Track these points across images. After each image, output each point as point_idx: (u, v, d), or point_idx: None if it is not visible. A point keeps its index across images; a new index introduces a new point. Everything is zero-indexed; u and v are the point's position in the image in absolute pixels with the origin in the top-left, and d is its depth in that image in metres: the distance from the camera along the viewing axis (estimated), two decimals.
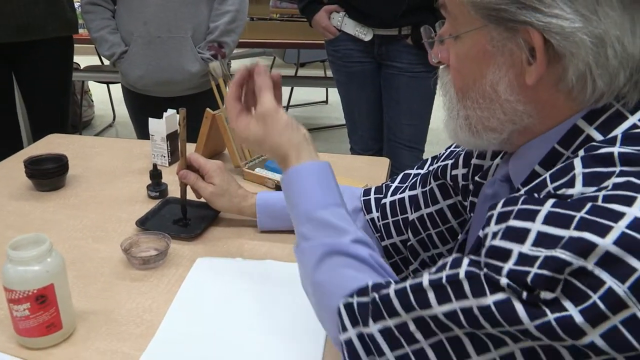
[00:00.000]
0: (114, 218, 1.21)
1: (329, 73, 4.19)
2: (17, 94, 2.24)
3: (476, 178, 0.83)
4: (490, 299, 0.54)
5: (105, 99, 4.07)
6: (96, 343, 0.85)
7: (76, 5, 2.18)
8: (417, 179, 0.99)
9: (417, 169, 1.04)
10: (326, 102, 4.48)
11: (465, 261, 0.58)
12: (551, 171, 0.60)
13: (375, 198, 1.05)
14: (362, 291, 0.67)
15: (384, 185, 1.07)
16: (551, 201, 0.55)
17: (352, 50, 1.99)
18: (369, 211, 1.04)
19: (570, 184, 0.56)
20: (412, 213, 0.97)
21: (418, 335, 0.60)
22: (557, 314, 0.50)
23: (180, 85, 1.98)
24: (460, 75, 0.69)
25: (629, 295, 0.48)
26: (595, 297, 0.49)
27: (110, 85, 3.88)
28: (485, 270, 0.55)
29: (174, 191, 1.32)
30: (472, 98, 0.68)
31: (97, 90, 4.13)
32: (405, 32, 1.87)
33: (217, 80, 1.42)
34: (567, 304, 0.50)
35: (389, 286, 0.64)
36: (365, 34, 1.92)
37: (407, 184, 1.01)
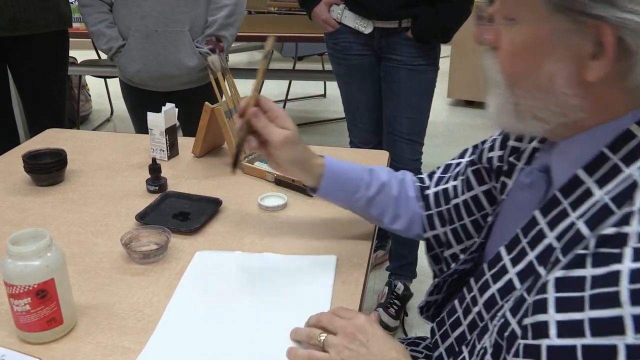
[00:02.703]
0: (113, 212, 1.20)
1: (327, 66, 4.18)
2: (12, 88, 2.23)
3: (510, 159, 0.82)
4: None
5: (102, 93, 4.05)
6: (97, 337, 0.85)
7: None
8: (459, 169, 0.99)
9: (458, 158, 1.03)
10: (324, 95, 4.47)
11: None
12: (607, 188, 0.59)
13: (419, 187, 1.05)
14: None
15: (426, 175, 1.07)
16: None
17: (352, 43, 1.98)
18: (423, 198, 1.04)
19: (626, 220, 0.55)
20: (450, 203, 0.97)
21: None
22: None
23: (178, 80, 1.98)
24: (512, 62, 0.66)
25: None
26: None
27: (108, 80, 3.87)
28: None
29: (172, 185, 1.32)
30: (524, 87, 0.66)
31: (94, 84, 4.12)
32: (406, 25, 1.86)
33: (216, 74, 1.41)
34: None
35: None
36: (365, 27, 1.91)
37: (449, 174, 1.01)
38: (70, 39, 2.24)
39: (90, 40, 2.04)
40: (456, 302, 0.81)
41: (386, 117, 2.05)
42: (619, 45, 0.57)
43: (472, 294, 0.77)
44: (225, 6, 1.94)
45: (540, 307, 0.58)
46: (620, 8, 0.56)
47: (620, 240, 0.54)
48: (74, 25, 2.31)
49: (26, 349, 0.82)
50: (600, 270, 0.55)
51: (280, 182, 1.31)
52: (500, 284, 0.71)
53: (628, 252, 0.53)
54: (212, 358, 0.81)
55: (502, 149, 0.87)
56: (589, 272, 0.55)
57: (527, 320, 0.60)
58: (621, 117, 0.62)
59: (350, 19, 1.93)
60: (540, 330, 0.57)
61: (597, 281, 0.54)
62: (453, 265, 0.90)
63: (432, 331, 0.86)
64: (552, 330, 0.56)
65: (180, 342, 0.84)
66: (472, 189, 0.92)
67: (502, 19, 0.67)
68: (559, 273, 0.58)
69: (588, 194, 0.62)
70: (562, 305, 0.56)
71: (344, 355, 0.76)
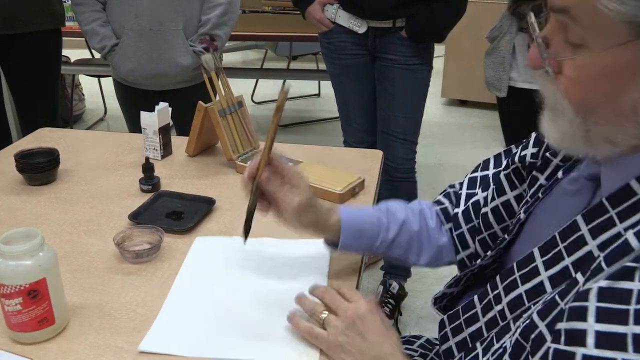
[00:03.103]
0: (106, 212, 1.20)
1: (322, 66, 4.18)
2: (5, 87, 2.22)
3: (547, 154, 0.80)
4: None
5: (96, 92, 4.04)
6: (89, 337, 0.84)
7: None
8: (487, 180, 0.95)
9: (481, 170, 0.99)
10: (318, 95, 4.47)
11: None
12: None
13: (450, 206, 1.00)
14: None
15: (450, 191, 1.03)
16: None
17: (346, 43, 1.98)
18: (448, 220, 1.00)
19: None
20: (480, 213, 0.93)
21: None
22: None
23: (172, 79, 1.97)
24: (584, 90, 0.61)
25: None
26: None
27: (101, 79, 3.86)
28: None
29: (166, 184, 1.31)
30: (601, 114, 0.61)
31: (88, 83, 4.10)
32: (400, 24, 1.87)
33: (210, 74, 1.41)
34: None
35: None
36: (360, 26, 1.91)
37: (477, 189, 0.97)
38: (64, 38, 2.23)
39: (83, 39, 2.03)
40: (475, 297, 0.79)
41: (380, 116, 2.05)
42: None
43: (496, 291, 0.75)
44: (219, 5, 1.93)
45: (579, 314, 0.56)
46: None
47: None
48: (68, 24, 2.30)
49: (17, 349, 0.82)
50: None
51: None
52: (529, 285, 0.70)
53: None
54: (215, 337, 0.84)
55: (536, 146, 0.85)
56: (636, 285, 0.53)
57: (561, 325, 0.58)
58: None
59: (345, 19, 1.93)
60: (576, 337, 0.56)
61: None
62: (478, 261, 0.89)
63: (442, 324, 0.84)
64: (590, 339, 0.55)
65: (184, 322, 0.87)
66: (504, 194, 0.89)
67: (563, 44, 0.61)
68: (603, 283, 0.56)
69: (639, 205, 0.60)
70: (604, 316, 0.54)
71: (340, 339, 0.79)
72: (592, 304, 0.56)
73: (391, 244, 0.97)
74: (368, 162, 1.43)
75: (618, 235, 0.61)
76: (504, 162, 0.94)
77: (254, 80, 4.36)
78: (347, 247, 0.95)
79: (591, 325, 0.55)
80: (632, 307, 0.53)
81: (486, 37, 1.98)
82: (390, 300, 2.08)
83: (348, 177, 1.28)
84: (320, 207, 0.92)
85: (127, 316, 0.89)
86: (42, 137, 1.59)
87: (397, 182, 2.09)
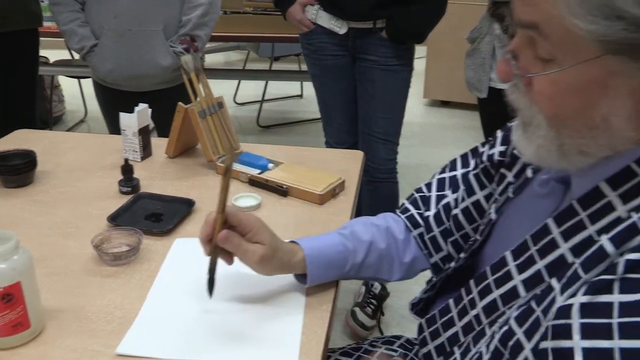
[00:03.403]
0: (84, 214, 1.19)
1: (304, 67, 4.17)
2: None
3: (514, 151, 0.81)
4: None
5: (76, 93, 3.99)
6: (66, 341, 0.83)
7: None
8: (456, 180, 0.95)
9: (449, 170, 0.99)
10: (301, 96, 4.46)
11: None
12: (632, 204, 0.57)
13: (417, 213, 1.00)
14: None
15: (417, 196, 1.02)
16: None
17: (327, 44, 1.98)
18: (417, 226, 0.99)
19: None
20: (450, 215, 0.93)
21: None
22: None
23: (152, 80, 1.96)
24: (555, 105, 0.61)
25: None
26: None
27: (82, 80, 3.81)
28: None
29: (145, 186, 1.30)
30: (573, 128, 0.61)
31: (67, 85, 4.05)
32: (380, 25, 1.87)
33: (190, 75, 1.40)
34: None
35: None
36: (340, 27, 1.91)
37: (447, 190, 0.97)
38: (42, 39, 2.20)
39: (63, 39, 2.00)
40: (451, 301, 0.79)
41: (361, 117, 2.06)
42: None
43: (470, 296, 0.75)
44: (200, 5, 1.92)
45: (564, 332, 0.56)
46: None
47: None
48: (46, 24, 2.26)
49: None
50: (630, 298, 0.52)
51: (254, 183, 1.31)
52: (503, 289, 0.70)
53: None
54: (194, 339, 0.84)
55: (504, 144, 0.85)
56: (616, 298, 0.53)
57: (547, 344, 0.58)
58: None
59: (325, 20, 1.93)
60: (565, 356, 0.55)
61: (627, 309, 0.52)
62: (452, 264, 0.89)
63: (421, 328, 0.85)
64: (578, 357, 0.54)
65: (162, 324, 0.87)
66: (473, 194, 0.89)
67: (532, 59, 0.61)
68: (583, 299, 0.55)
69: (609, 208, 0.60)
70: (588, 332, 0.54)
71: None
72: (576, 320, 0.55)
73: (360, 267, 0.96)
74: (349, 163, 1.43)
75: (590, 238, 0.61)
76: (472, 162, 0.95)
77: (237, 81, 4.34)
78: (316, 280, 0.93)
79: (577, 343, 0.55)
80: (614, 320, 0.53)
81: (466, 38, 1.99)
82: (373, 300, 2.08)
83: (328, 177, 1.28)
84: (283, 250, 0.89)
85: (104, 319, 0.88)
86: (19, 139, 1.57)
87: (379, 182, 2.10)
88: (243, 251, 0.85)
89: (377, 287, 2.12)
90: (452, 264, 0.89)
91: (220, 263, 0.86)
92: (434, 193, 1.00)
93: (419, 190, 1.03)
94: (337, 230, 0.98)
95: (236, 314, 0.89)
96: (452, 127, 3.89)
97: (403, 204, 1.04)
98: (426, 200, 1.00)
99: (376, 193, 2.11)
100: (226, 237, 0.83)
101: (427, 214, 0.98)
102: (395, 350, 1.04)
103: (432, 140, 3.66)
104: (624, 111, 0.58)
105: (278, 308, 0.90)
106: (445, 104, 4.28)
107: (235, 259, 0.87)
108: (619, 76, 0.56)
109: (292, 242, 0.93)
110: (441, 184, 1.00)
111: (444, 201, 0.96)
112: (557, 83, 0.60)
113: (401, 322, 2.10)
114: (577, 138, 0.61)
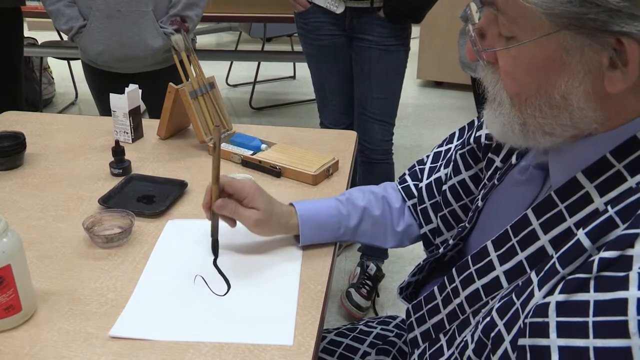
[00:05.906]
0: (75, 196, 1.17)
1: (297, 47, 4.14)
2: None
3: None
4: None
5: (66, 76, 3.94)
6: (58, 324, 0.83)
7: None
8: (449, 155, 0.96)
9: (447, 144, 1.00)
10: (294, 77, 4.43)
11: None
12: (608, 196, 0.57)
13: (413, 184, 1.02)
14: None
15: (417, 169, 1.04)
16: None
17: (323, 23, 1.95)
18: (411, 196, 1.02)
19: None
20: (441, 190, 0.94)
21: None
22: None
23: (143, 61, 1.93)
24: (517, 82, 0.62)
25: None
26: None
27: (71, 62, 3.76)
28: None
29: (137, 168, 1.28)
30: (534, 106, 0.62)
31: (57, 66, 4.00)
32: (378, 5, 1.85)
33: (180, 55, 1.38)
34: None
35: None
36: (337, 6, 1.89)
37: (440, 162, 0.98)
38: (31, 19, 2.16)
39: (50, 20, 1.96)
40: (435, 289, 0.79)
41: (357, 97, 2.04)
42: None
43: (453, 284, 0.75)
44: None
45: (541, 330, 0.56)
46: None
47: (624, 263, 0.51)
48: (32, 4, 2.22)
49: None
50: (604, 296, 0.52)
51: (247, 164, 1.29)
52: (485, 280, 0.69)
53: (634, 277, 0.50)
54: (187, 320, 0.83)
55: None
56: (591, 296, 0.53)
57: (525, 342, 0.58)
58: (628, 123, 0.59)
59: None
60: (541, 355, 0.55)
61: (601, 308, 0.52)
62: (441, 250, 0.89)
63: (408, 313, 0.85)
64: (555, 356, 0.54)
65: (155, 306, 0.86)
66: (459, 173, 0.90)
67: (497, 37, 0.62)
68: (560, 297, 0.55)
69: (587, 200, 0.60)
70: (565, 331, 0.54)
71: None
72: (553, 319, 0.55)
73: (355, 231, 1.00)
74: (342, 143, 1.42)
75: (569, 230, 0.61)
76: (465, 137, 0.95)
77: (229, 62, 4.30)
78: (308, 240, 0.98)
79: (553, 341, 0.54)
80: (590, 319, 0.52)
81: (460, 17, 1.97)
82: (368, 281, 2.08)
83: (322, 158, 1.27)
84: (279, 214, 0.96)
85: (97, 302, 0.87)
86: (7, 121, 1.55)
87: (374, 163, 2.09)
88: (239, 216, 0.95)
89: (372, 268, 2.12)
90: (441, 243, 0.89)
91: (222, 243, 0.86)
92: (428, 165, 1.02)
93: (420, 161, 1.05)
94: (335, 197, 1.02)
95: (230, 296, 0.89)
96: (446, 107, 3.88)
97: (404, 174, 1.06)
98: (422, 172, 1.02)
99: (371, 174, 2.10)
100: (221, 205, 0.94)
101: (420, 185, 1.00)
102: (392, 331, 1.04)
103: (426, 121, 3.64)
104: (582, 89, 0.58)
105: (272, 290, 0.90)
106: (438, 84, 4.26)
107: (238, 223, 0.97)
108: (575, 53, 0.57)
109: (291, 204, 0.99)
110: (436, 156, 1.01)
111: (436, 175, 0.98)
112: (517, 59, 0.61)
113: (396, 303, 2.11)
114: (540, 118, 0.62)
